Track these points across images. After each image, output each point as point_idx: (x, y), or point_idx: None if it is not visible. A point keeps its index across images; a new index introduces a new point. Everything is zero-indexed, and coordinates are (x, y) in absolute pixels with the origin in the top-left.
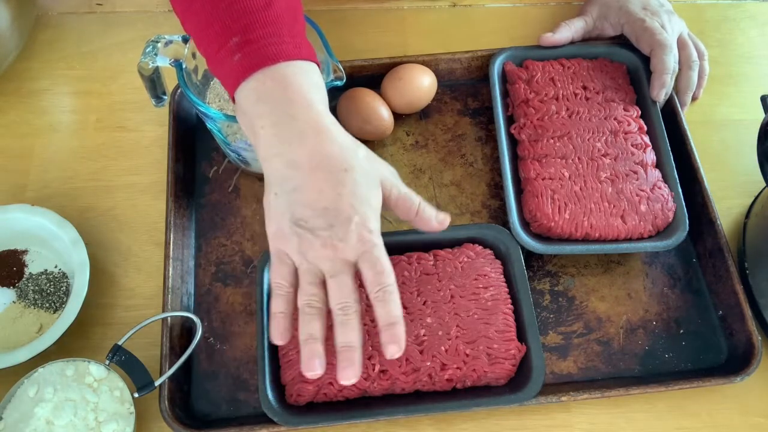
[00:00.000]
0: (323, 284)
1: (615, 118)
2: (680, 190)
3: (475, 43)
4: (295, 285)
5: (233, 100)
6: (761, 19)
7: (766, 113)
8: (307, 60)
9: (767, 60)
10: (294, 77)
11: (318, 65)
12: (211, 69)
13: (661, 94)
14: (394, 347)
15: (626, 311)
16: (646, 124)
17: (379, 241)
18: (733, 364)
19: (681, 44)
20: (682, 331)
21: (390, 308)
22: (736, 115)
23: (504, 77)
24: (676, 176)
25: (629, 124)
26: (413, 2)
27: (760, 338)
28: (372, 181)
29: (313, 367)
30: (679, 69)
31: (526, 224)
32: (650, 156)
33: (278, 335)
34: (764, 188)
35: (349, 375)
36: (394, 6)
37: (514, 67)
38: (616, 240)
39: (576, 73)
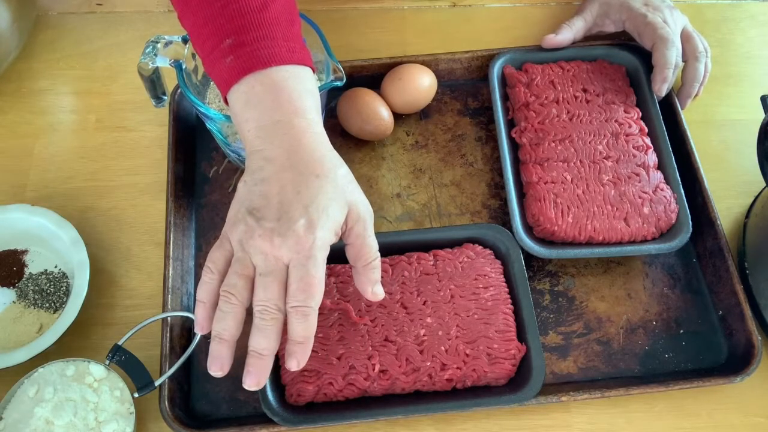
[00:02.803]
0: (251, 281)
1: (616, 120)
2: (683, 191)
3: (475, 43)
4: (225, 273)
5: (226, 102)
6: (761, 19)
7: (766, 113)
8: (300, 64)
9: (767, 60)
10: (285, 82)
11: (313, 69)
12: (205, 69)
13: (663, 88)
14: (294, 362)
15: (626, 311)
16: (646, 125)
17: (320, 255)
18: (733, 364)
19: (685, 37)
20: (682, 331)
21: (305, 327)
22: (736, 115)
23: (504, 80)
24: (678, 178)
25: (630, 126)
26: (413, 2)
27: (760, 338)
28: (340, 197)
29: (213, 368)
30: (686, 61)
31: (529, 228)
32: (652, 158)
33: (197, 326)
34: (764, 188)
35: (251, 383)
36: (394, 6)
37: (513, 71)
38: (619, 243)
39: (576, 76)
